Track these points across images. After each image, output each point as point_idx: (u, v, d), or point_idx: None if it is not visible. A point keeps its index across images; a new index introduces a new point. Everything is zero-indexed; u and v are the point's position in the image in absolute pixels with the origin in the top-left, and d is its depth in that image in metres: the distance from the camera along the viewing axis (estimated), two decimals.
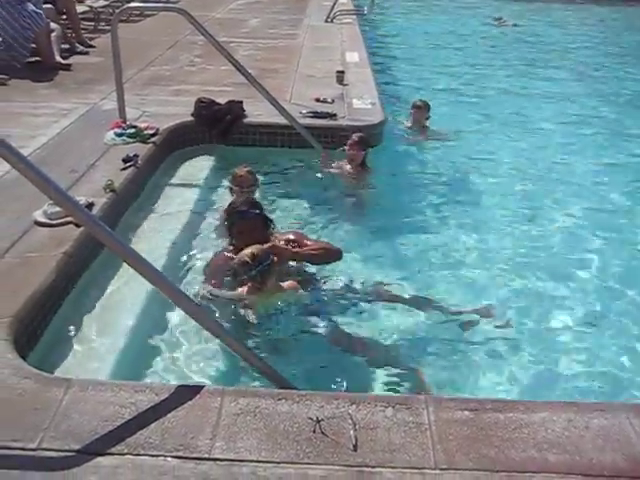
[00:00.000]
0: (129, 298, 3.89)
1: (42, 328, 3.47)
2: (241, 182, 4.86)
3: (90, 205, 4.32)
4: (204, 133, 6.45)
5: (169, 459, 2.40)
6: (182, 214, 5.12)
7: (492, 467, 2.42)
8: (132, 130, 5.82)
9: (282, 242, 4.13)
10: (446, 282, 4.54)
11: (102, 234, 2.82)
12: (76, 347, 3.46)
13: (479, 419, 2.63)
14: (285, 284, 3.82)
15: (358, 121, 6.55)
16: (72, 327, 3.59)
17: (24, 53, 8.38)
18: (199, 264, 4.37)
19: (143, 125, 5.97)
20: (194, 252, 4.59)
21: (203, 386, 2.81)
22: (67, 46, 9.35)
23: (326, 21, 12.81)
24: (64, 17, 9.75)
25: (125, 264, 3.65)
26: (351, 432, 2.52)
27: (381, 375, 3.57)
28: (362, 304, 4.13)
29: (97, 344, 3.49)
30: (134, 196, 5.15)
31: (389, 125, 7.06)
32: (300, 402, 2.68)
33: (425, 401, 2.73)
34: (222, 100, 6.65)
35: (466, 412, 2.67)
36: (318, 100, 7.15)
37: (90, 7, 11.03)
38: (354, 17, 13.56)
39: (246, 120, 6.56)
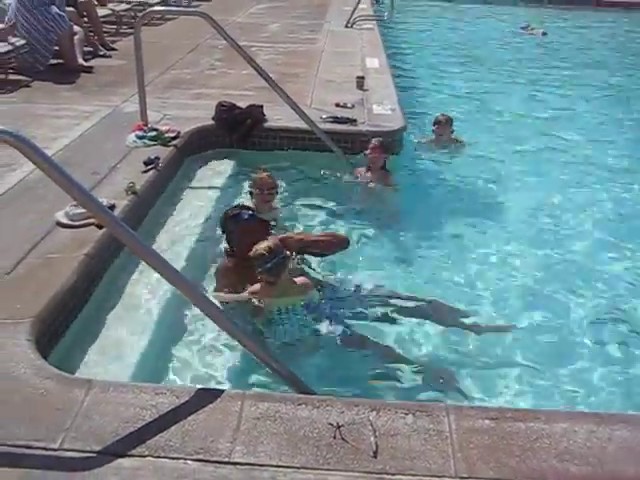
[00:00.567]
0: (149, 300, 3.91)
1: (63, 329, 3.49)
2: (261, 185, 4.87)
3: (112, 207, 4.35)
4: (224, 137, 6.47)
5: (189, 462, 2.41)
6: (202, 217, 5.14)
7: (513, 476, 2.40)
8: (153, 133, 5.85)
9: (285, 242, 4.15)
10: (461, 292, 4.51)
11: (124, 235, 2.84)
12: (97, 348, 3.47)
13: (500, 428, 2.62)
14: (298, 279, 3.81)
15: (378, 127, 6.54)
16: (93, 328, 3.62)
17: (47, 55, 8.48)
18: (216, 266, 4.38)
19: (164, 128, 6.01)
20: (213, 255, 4.59)
21: (223, 390, 2.82)
22: (90, 49, 9.43)
23: (346, 26, 12.83)
24: (86, 20, 9.83)
25: (145, 265, 3.68)
26: (371, 438, 2.52)
27: (393, 378, 3.58)
28: (373, 308, 4.12)
29: (117, 345, 3.50)
30: (155, 198, 5.18)
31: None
32: (320, 407, 2.68)
33: (446, 409, 2.72)
34: (242, 104, 6.68)
35: (487, 421, 2.65)
36: (338, 105, 7.16)
37: (112, 10, 11.15)
38: (374, 22, 13.58)
39: (266, 124, 6.57)
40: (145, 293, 3.96)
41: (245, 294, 3.73)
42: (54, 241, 4.06)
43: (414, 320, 4.08)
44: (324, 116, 6.68)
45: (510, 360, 3.82)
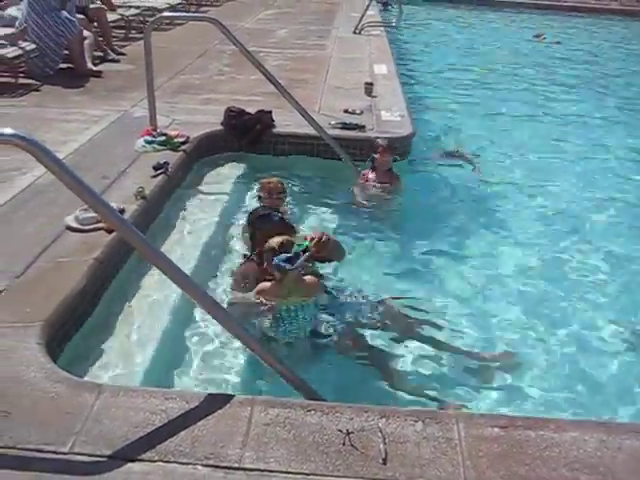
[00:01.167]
0: (159, 304, 3.91)
1: (73, 332, 3.50)
2: (270, 190, 4.89)
3: (121, 211, 4.35)
4: (233, 142, 6.49)
5: (199, 467, 2.41)
6: (211, 221, 5.14)
7: None
8: (162, 138, 5.87)
9: None
10: (462, 309, 4.45)
11: (135, 239, 2.84)
12: (106, 352, 3.47)
13: (509, 436, 2.61)
14: (307, 278, 3.77)
15: (387, 133, 6.54)
16: (102, 332, 3.62)
17: (57, 60, 8.51)
18: (227, 271, 4.41)
19: (173, 133, 6.02)
20: (222, 259, 4.63)
21: (233, 395, 2.81)
22: (99, 53, 9.47)
23: (354, 32, 12.87)
24: (95, 25, 9.88)
25: (155, 270, 3.71)
26: (381, 445, 2.52)
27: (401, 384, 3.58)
28: (374, 316, 4.08)
29: (127, 349, 3.50)
30: (164, 203, 5.20)
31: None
32: (330, 414, 2.68)
33: (455, 416, 2.71)
34: (251, 109, 6.70)
35: (496, 429, 2.65)
36: (347, 111, 7.17)
37: (121, 15, 11.19)
38: (382, 29, 13.60)
39: (275, 130, 6.59)
40: (154, 297, 3.96)
41: (252, 293, 3.74)
42: (64, 245, 4.07)
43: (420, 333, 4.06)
44: (333, 122, 6.70)
45: (519, 367, 3.82)
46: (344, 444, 2.52)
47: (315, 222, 5.39)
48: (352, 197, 5.88)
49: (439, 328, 4.09)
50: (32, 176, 4.99)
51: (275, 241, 3.62)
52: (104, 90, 7.97)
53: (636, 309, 4.53)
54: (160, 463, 2.42)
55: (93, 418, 2.62)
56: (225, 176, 6.10)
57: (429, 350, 3.88)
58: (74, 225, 4.24)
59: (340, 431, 2.57)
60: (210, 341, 3.68)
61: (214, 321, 3.13)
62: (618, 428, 2.73)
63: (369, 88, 8.11)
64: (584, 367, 3.86)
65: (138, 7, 11.81)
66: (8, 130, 2.54)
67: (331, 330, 3.81)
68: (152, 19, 6.59)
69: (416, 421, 2.66)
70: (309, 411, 2.69)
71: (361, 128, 6.66)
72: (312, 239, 3.73)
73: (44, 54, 8.37)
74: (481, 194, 6.44)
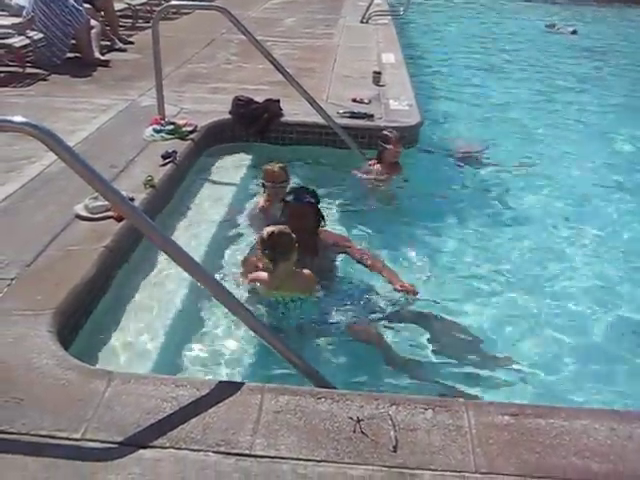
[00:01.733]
0: (168, 291, 3.93)
1: (84, 320, 3.52)
2: (273, 178, 4.88)
3: (131, 200, 4.34)
4: (241, 131, 6.48)
5: (210, 454, 2.42)
6: (219, 210, 5.16)
7: (533, 473, 2.40)
8: (171, 127, 5.87)
9: (329, 239, 4.31)
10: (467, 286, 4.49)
11: (145, 226, 2.85)
12: (116, 339, 3.49)
13: (520, 424, 2.61)
14: (302, 272, 3.79)
15: (395, 122, 6.53)
16: (113, 320, 3.64)
17: (64, 49, 8.51)
18: (235, 258, 4.43)
19: (182, 122, 6.02)
20: (231, 247, 4.64)
21: (243, 383, 2.83)
22: (107, 42, 9.46)
23: (361, 21, 12.82)
24: (102, 14, 9.86)
25: (164, 258, 3.72)
26: (391, 433, 2.52)
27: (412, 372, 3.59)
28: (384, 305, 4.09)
29: (137, 337, 3.52)
30: (173, 192, 5.20)
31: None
32: (340, 401, 2.68)
33: (465, 404, 2.72)
34: (259, 98, 6.69)
35: (506, 417, 2.65)
36: (355, 100, 7.16)
37: (128, 4, 11.17)
38: (389, 17, 13.54)
39: (283, 119, 6.58)
40: (164, 285, 3.98)
41: (246, 280, 3.81)
42: (74, 234, 4.08)
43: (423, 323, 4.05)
44: (341, 111, 6.69)
45: (530, 356, 3.82)
46: (354, 431, 2.53)
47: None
48: (358, 186, 5.86)
49: (446, 316, 4.09)
50: (41, 165, 5.01)
51: (267, 231, 3.66)
52: (112, 79, 7.98)
53: None
54: (171, 450, 2.43)
55: (105, 405, 2.64)
56: (233, 165, 6.10)
57: (439, 340, 3.89)
58: (84, 214, 4.25)
59: (350, 418, 2.58)
60: (220, 328, 3.69)
61: (224, 309, 3.14)
62: (629, 416, 2.72)
63: (377, 77, 8.08)
64: (594, 355, 3.87)
65: None
66: (19, 118, 2.55)
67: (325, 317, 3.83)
68: (159, 8, 6.59)
69: (426, 409, 2.66)
70: (319, 399, 2.69)
71: (369, 117, 6.65)
72: None
73: (51, 43, 8.37)
74: (489, 184, 6.41)
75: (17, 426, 2.51)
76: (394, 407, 2.66)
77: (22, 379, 2.78)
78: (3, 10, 8.83)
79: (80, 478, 2.31)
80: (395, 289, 4.10)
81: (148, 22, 10.00)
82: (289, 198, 4.20)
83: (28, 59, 8.22)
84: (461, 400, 2.78)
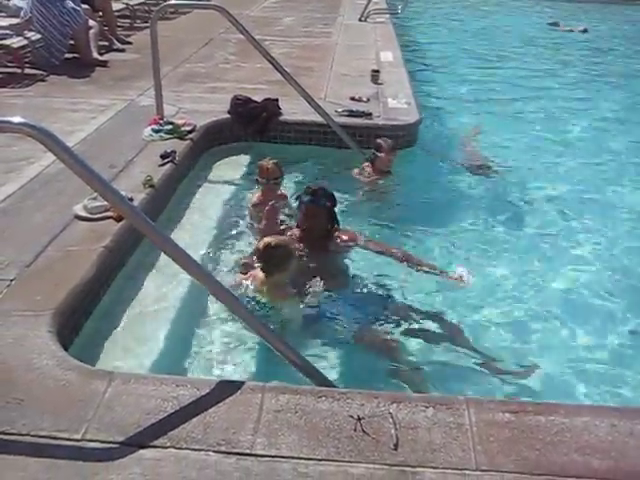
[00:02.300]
0: (168, 291, 3.94)
1: (83, 321, 3.52)
2: (268, 174, 4.89)
3: (130, 200, 4.34)
4: (240, 130, 6.48)
5: (211, 454, 2.42)
6: (218, 209, 5.17)
7: (534, 470, 2.40)
8: (169, 126, 5.87)
9: (343, 237, 4.33)
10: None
11: (144, 226, 2.86)
12: (116, 339, 3.49)
13: (520, 421, 2.61)
14: (282, 291, 3.78)
15: (394, 120, 6.53)
16: (113, 320, 3.64)
17: (62, 50, 8.50)
18: (234, 257, 4.44)
19: (180, 122, 6.02)
20: (230, 246, 4.64)
21: (244, 382, 2.82)
22: (105, 43, 9.46)
23: (360, 20, 12.82)
24: (100, 15, 9.86)
25: (164, 258, 3.71)
26: (392, 431, 2.52)
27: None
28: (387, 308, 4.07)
29: (137, 337, 3.52)
30: (172, 192, 5.20)
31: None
32: (340, 400, 2.68)
33: (466, 402, 2.71)
34: (257, 98, 6.69)
35: (507, 414, 2.65)
36: (353, 99, 7.15)
37: (126, 4, 11.17)
38: (387, 16, 13.54)
39: (281, 118, 6.57)
40: (164, 285, 3.98)
41: (243, 277, 3.86)
42: (73, 234, 4.08)
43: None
44: (339, 110, 6.68)
45: (531, 353, 3.82)
46: (355, 430, 2.53)
47: None
48: (356, 186, 5.83)
49: (444, 318, 4.06)
50: (40, 166, 5.01)
51: (263, 243, 3.72)
52: (110, 79, 7.97)
53: None
54: (172, 449, 2.43)
55: (105, 405, 2.64)
56: (232, 164, 6.11)
57: (438, 342, 3.88)
58: (83, 214, 4.25)
59: (351, 417, 2.58)
60: (220, 328, 3.68)
61: (224, 308, 3.14)
62: (630, 413, 2.73)
63: (375, 75, 8.08)
64: (595, 352, 3.87)
65: None
66: (18, 119, 2.55)
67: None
68: (157, 8, 6.58)
69: (427, 407, 2.66)
70: (320, 397, 2.69)
71: (368, 115, 6.64)
72: None
73: (49, 44, 8.36)
74: (485, 184, 6.32)
75: (17, 427, 2.51)
76: (395, 405, 2.66)
77: (22, 380, 2.78)
78: (1, 11, 8.85)
79: (81, 478, 2.31)
80: (445, 278, 4.24)
81: (146, 22, 9.98)
82: (305, 198, 4.21)
83: (26, 60, 8.21)
84: (461, 398, 2.78)
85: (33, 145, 2.69)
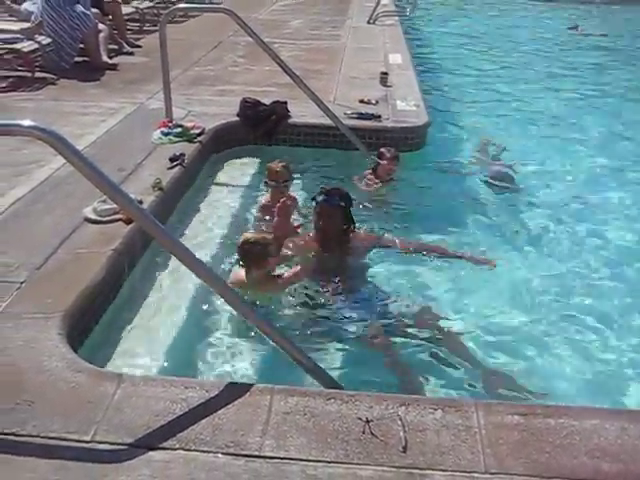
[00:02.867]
0: (177, 294, 3.95)
1: (93, 323, 3.53)
2: (277, 177, 4.90)
3: (139, 203, 4.36)
4: (249, 133, 6.49)
5: (220, 455, 2.42)
6: (227, 212, 5.18)
7: (543, 473, 2.39)
8: (179, 129, 5.88)
9: (360, 238, 4.40)
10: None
11: (154, 229, 2.86)
12: (126, 342, 3.51)
13: (529, 424, 2.61)
14: (269, 282, 3.83)
15: (403, 123, 6.53)
16: (122, 322, 3.66)
17: (72, 53, 8.55)
18: None
19: (189, 125, 6.04)
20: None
21: (252, 384, 2.83)
22: (114, 46, 9.50)
23: (368, 22, 12.80)
24: (110, 18, 9.90)
25: (172, 260, 3.74)
26: (401, 433, 2.52)
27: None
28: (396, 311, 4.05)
29: (146, 339, 3.54)
30: (181, 194, 5.22)
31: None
32: (349, 402, 2.68)
33: (475, 404, 2.71)
34: (266, 100, 6.70)
35: (516, 417, 2.64)
36: (362, 101, 7.15)
37: (136, 8, 11.22)
38: (396, 18, 13.54)
39: (290, 120, 6.58)
40: (172, 287, 4.00)
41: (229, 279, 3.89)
42: (82, 237, 4.09)
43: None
44: (348, 112, 6.69)
45: (540, 356, 3.80)
46: (364, 432, 2.53)
47: None
48: (362, 189, 5.80)
49: (452, 321, 4.03)
50: (50, 169, 5.03)
51: (243, 239, 3.79)
52: (120, 83, 8.00)
53: None
54: (181, 451, 2.44)
55: (114, 407, 2.65)
56: (241, 167, 6.13)
57: (451, 347, 3.82)
58: (92, 217, 4.26)
59: (360, 419, 2.58)
60: (229, 330, 3.69)
61: (233, 311, 3.15)
62: None
63: (384, 78, 8.07)
64: (605, 355, 3.84)
65: (152, 0, 11.86)
66: (28, 122, 2.57)
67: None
68: (166, 11, 6.60)
69: (435, 409, 2.66)
70: (328, 400, 2.69)
71: (377, 118, 6.64)
72: None
73: (60, 48, 8.41)
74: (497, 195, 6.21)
75: (28, 428, 2.52)
76: (403, 407, 2.66)
77: (32, 382, 2.79)
78: (12, 15, 8.91)
79: None
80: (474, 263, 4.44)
81: (155, 25, 9.99)
82: (319, 198, 4.24)
83: (37, 63, 8.24)
84: (470, 400, 2.78)
85: (43, 148, 2.71)
